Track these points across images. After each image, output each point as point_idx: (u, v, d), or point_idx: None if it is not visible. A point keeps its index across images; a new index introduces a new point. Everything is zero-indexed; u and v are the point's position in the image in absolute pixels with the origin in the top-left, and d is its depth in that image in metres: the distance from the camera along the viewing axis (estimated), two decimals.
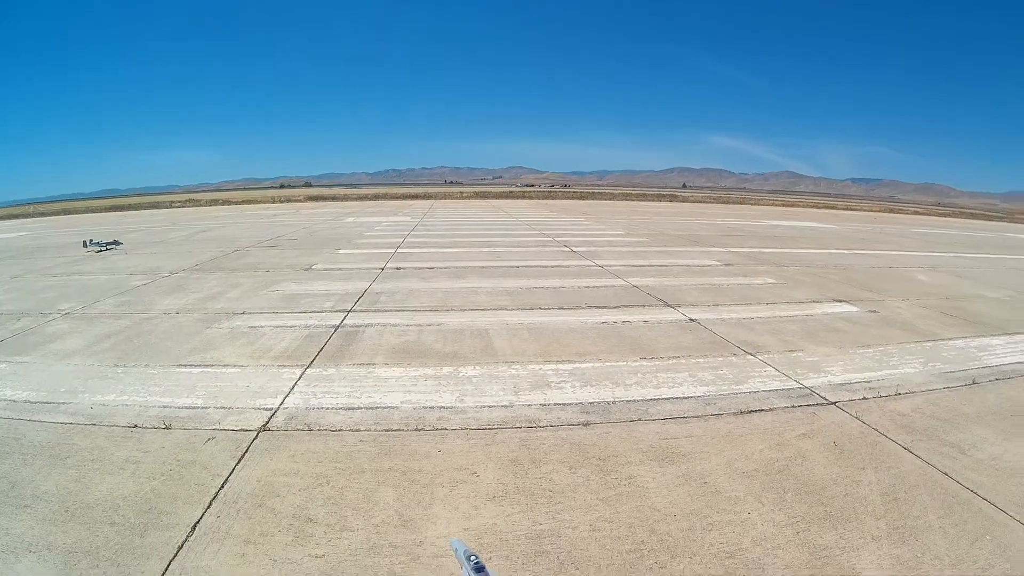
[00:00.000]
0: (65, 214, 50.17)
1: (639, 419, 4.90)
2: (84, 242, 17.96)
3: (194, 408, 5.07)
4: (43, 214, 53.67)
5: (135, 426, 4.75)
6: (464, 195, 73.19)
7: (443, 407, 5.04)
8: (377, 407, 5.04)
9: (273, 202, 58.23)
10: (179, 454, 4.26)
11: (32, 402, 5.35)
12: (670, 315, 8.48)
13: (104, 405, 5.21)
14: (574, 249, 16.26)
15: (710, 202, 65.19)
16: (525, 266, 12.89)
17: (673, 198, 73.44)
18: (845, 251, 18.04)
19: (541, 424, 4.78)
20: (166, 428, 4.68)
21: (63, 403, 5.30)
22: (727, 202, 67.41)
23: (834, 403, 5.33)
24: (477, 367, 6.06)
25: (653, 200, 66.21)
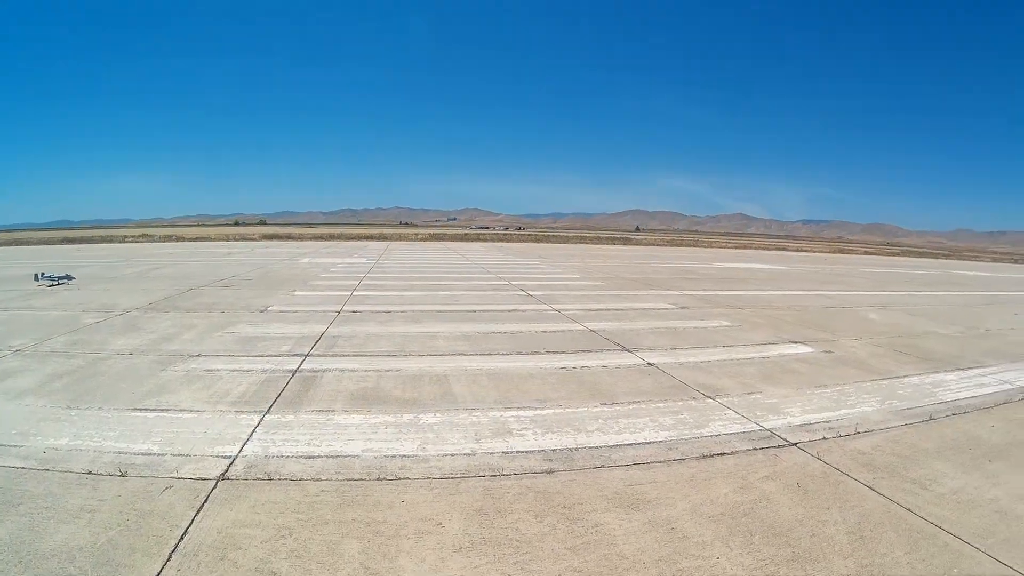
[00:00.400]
0: (16, 244, 48.49)
1: (603, 465, 4.86)
2: (36, 275, 17.40)
3: (150, 454, 4.86)
4: None
5: (90, 472, 4.53)
6: (419, 236, 73.37)
7: (405, 455, 4.91)
8: (338, 455, 4.90)
9: (228, 239, 57.39)
10: (136, 503, 4.06)
11: None
12: (628, 359, 8.51)
13: (57, 449, 4.98)
14: (531, 293, 16.28)
15: (664, 245, 66.82)
16: (483, 310, 12.83)
17: (627, 241, 75.02)
18: (798, 292, 18.59)
19: (504, 472, 4.69)
20: (122, 475, 4.47)
21: (14, 446, 5.06)
22: (680, 244, 69.18)
23: (795, 444, 5.40)
24: (437, 414, 5.95)
25: (607, 243, 67.50)
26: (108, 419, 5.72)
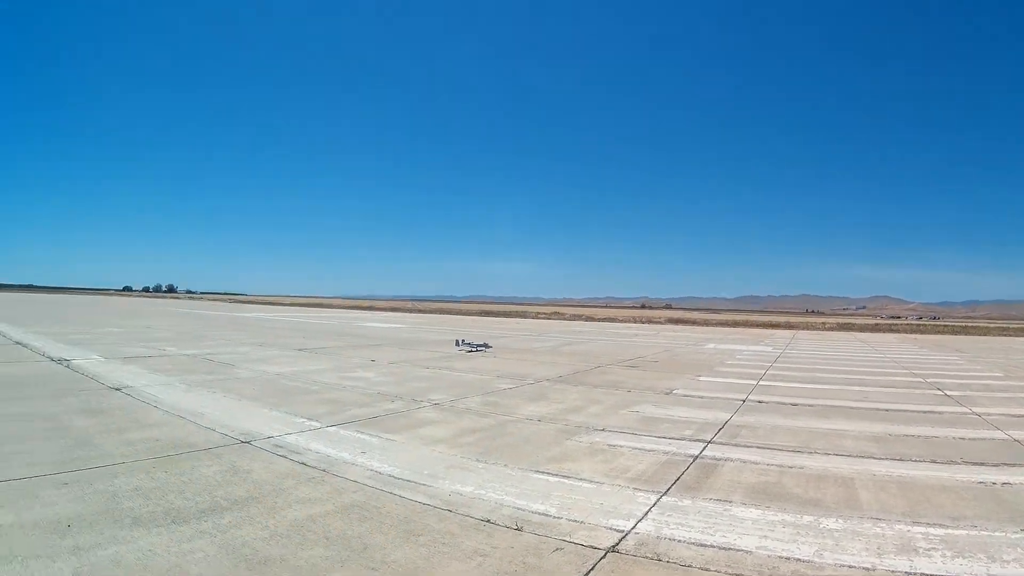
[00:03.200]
0: (440, 313, 59.63)
1: None
2: (456, 341, 20.90)
3: (546, 515, 5.30)
4: (422, 311, 65.02)
5: (487, 520, 5.09)
6: (826, 326, 67.88)
7: (799, 559, 4.70)
8: (730, 548, 4.85)
9: (634, 322, 61.16)
10: (526, 557, 4.42)
11: (396, 477, 6.23)
12: None
13: (461, 494, 5.74)
14: (947, 393, 14.04)
15: None
16: (894, 409, 11.51)
17: None
18: None
19: None
20: (517, 529, 4.95)
21: (423, 484, 6.00)
22: None
23: None
24: (839, 519, 5.55)
25: None
26: (511, 476, 6.51)
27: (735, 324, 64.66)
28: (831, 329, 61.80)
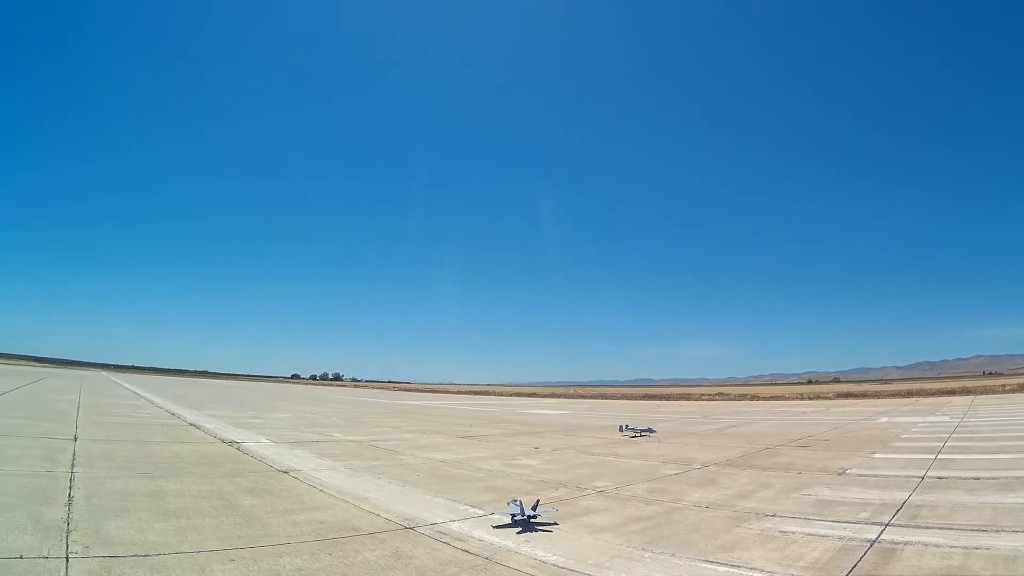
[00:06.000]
0: (602, 398, 58.83)
1: None
2: (620, 427, 20.93)
3: None
4: (583, 397, 64.69)
5: None
6: (1007, 388, 60.75)
7: None
8: None
9: (801, 398, 58.06)
10: None
11: (559, 567, 6.24)
12: None
13: None
14: None
15: None
16: None
17: None
18: None
19: None
20: None
21: (587, 575, 6.01)
22: None
23: None
24: None
25: None
26: (679, 565, 6.39)
27: (908, 394, 59.38)
28: (1012, 391, 55.46)
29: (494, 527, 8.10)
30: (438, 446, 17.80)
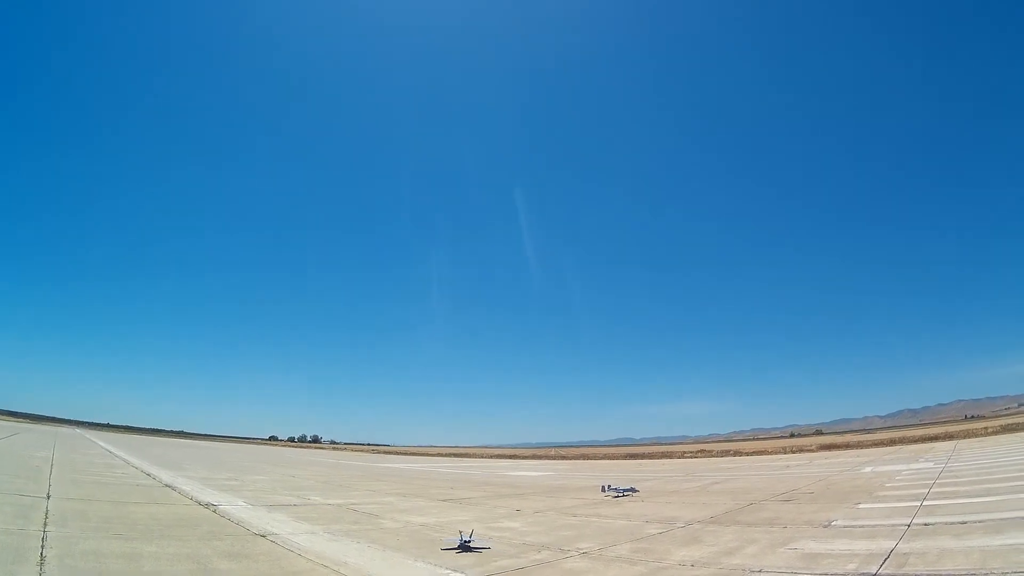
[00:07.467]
0: (584, 459, 58.47)
1: None
2: (603, 487, 20.73)
3: None
4: (565, 457, 64.20)
5: None
6: (988, 431, 61.88)
7: None
8: None
9: (784, 452, 58.21)
10: None
11: None
12: None
13: None
14: None
15: None
16: None
17: None
18: None
19: None
20: None
21: None
22: None
23: None
24: None
25: None
26: None
27: (891, 442, 59.96)
28: (993, 433, 56.32)
29: None
30: (419, 509, 17.60)
